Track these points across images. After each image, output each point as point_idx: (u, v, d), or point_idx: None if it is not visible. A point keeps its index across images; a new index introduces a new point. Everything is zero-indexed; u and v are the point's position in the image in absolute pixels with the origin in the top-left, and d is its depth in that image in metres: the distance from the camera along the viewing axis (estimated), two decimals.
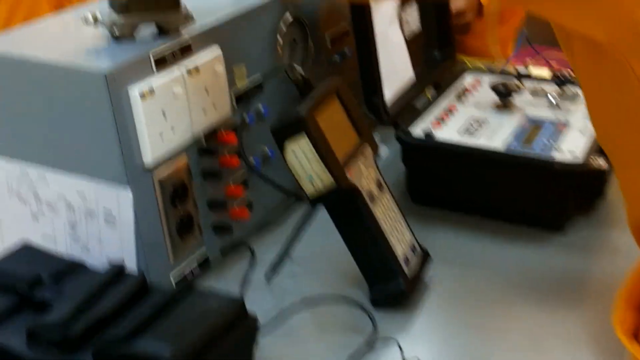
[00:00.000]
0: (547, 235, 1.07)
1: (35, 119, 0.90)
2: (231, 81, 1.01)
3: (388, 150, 1.30)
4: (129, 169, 0.87)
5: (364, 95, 1.11)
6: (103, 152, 0.87)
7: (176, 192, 0.94)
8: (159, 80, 0.89)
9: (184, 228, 0.95)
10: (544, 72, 1.42)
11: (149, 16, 0.91)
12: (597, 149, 1.06)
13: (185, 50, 0.93)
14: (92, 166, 0.89)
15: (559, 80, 1.24)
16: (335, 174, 0.88)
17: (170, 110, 0.90)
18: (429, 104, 1.21)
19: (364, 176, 0.93)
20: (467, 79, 1.31)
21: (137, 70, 0.87)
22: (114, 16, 0.90)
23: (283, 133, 0.87)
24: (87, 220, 0.92)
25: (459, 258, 1.04)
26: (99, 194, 0.89)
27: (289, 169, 0.89)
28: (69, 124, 0.88)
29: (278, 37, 1.10)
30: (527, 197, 1.08)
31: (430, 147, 1.09)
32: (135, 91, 0.86)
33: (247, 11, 1.03)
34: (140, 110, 0.86)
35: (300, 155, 0.87)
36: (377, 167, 0.97)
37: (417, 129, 1.13)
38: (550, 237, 1.07)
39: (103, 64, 0.85)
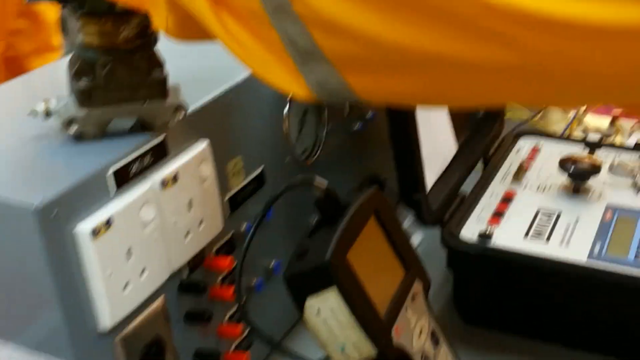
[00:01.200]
0: None
1: None
2: (223, 182, 0.73)
3: (422, 234, 1.03)
4: (76, 339, 0.60)
5: (400, 190, 0.83)
6: (39, 316, 0.60)
7: (148, 352, 0.66)
8: (120, 203, 0.61)
9: None
10: (616, 133, 1.15)
11: (123, 109, 0.63)
12: None
13: (158, 153, 0.65)
14: (29, 335, 0.61)
15: None
16: (378, 341, 0.60)
17: (138, 244, 0.63)
18: (481, 188, 0.93)
19: (414, 331, 0.65)
20: (523, 147, 1.03)
21: (88, 194, 0.59)
22: (72, 109, 0.62)
23: (303, 285, 0.60)
24: None
25: None
26: None
27: (310, 332, 0.62)
28: None
29: (285, 109, 0.82)
30: (620, 325, 0.80)
31: (489, 256, 0.82)
32: (84, 227, 0.58)
33: (242, 81, 0.75)
34: (93, 255, 0.59)
35: (328, 316, 0.60)
36: (430, 309, 0.69)
37: (470, 229, 0.85)
38: None
39: (35, 192, 0.57)
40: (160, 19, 0.54)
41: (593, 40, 0.37)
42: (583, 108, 1.32)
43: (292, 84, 0.49)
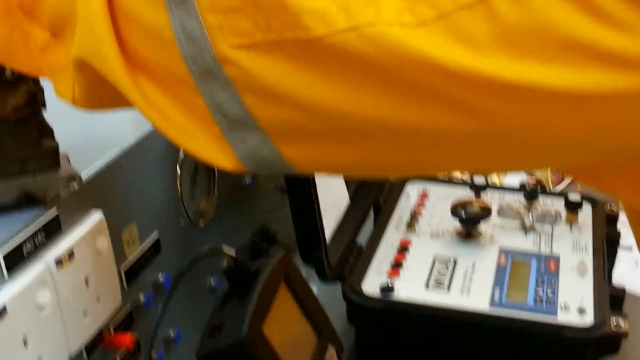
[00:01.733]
0: None
1: None
2: (119, 253, 0.69)
3: (318, 287, 1.01)
4: None
5: (299, 247, 0.81)
6: None
7: None
8: (13, 288, 0.56)
9: None
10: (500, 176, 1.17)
11: (11, 184, 0.58)
12: (605, 298, 0.82)
13: (51, 229, 0.60)
14: None
15: (528, 192, 0.99)
16: None
17: (35, 331, 0.58)
18: (377, 238, 0.92)
19: None
20: (412, 193, 1.04)
21: None
22: None
23: None
24: None
25: None
26: None
27: None
28: None
29: (177, 169, 0.79)
30: None
31: (393, 310, 0.81)
32: None
33: (133, 144, 0.71)
34: None
35: None
36: None
37: (371, 282, 0.84)
38: None
39: None
40: (65, 87, 0.49)
41: (552, 104, 0.36)
42: None
43: (218, 154, 0.45)
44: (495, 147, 0.40)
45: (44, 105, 0.59)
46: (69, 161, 0.62)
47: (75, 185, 0.61)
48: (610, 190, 0.46)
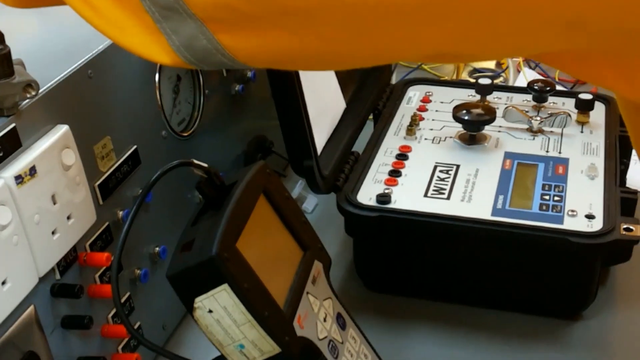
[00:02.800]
0: (559, 327, 0.78)
1: None
2: (92, 168, 0.65)
3: (316, 199, 0.97)
4: None
5: (289, 157, 0.77)
6: None
7: None
8: None
9: None
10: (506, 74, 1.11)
11: None
12: (616, 202, 0.77)
13: (9, 143, 0.56)
14: None
15: (536, 92, 0.93)
16: (279, 337, 0.54)
17: None
18: (374, 145, 0.88)
19: (319, 317, 0.59)
20: (414, 97, 0.98)
21: None
22: None
23: (189, 284, 0.53)
24: None
25: None
26: None
27: (204, 332, 0.55)
28: None
29: (156, 76, 0.74)
30: (526, 280, 0.77)
31: (389, 219, 0.77)
32: None
33: (102, 51, 0.66)
34: None
35: (221, 315, 0.53)
36: (333, 290, 0.64)
37: (367, 192, 0.80)
38: (564, 330, 0.78)
39: None
40: None
41: None
42: None
43: (154, 48, 0.41)
44: (449, 21, 0.35)
45: None
46: (24, 66, 0.58)
47: (32, 92, 0.56)
48: (600, 81, 0.41)
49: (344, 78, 0.92)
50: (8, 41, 0.55)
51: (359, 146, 0.89)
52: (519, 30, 0.36)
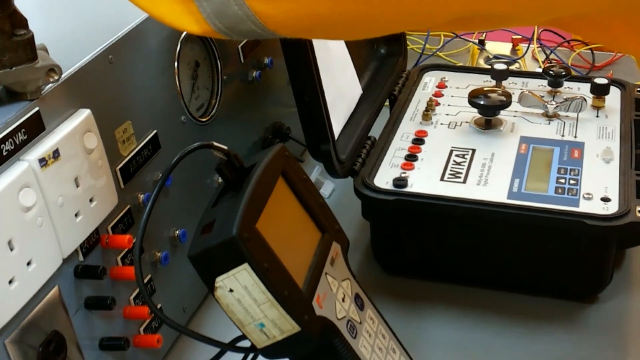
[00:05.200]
0: (574, 309, 0.79)
1: None
2: (113, 152, 0.66)
3: (333, 183, 0.98)
4: None
5: (307, 142, 0.78)
6: None
7: (46, 350, 0.59)
8: None
9: None
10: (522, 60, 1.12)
11: None
12: (632, 185, 0.77)
13: (33, 127, 0.57)
14: None
15: (552, 78, 0.93)
16: (299, 316, 0.55)
17: (20, 234, 0.55)
18: (391, 130, 0.88)
19: (337, 298, 0.60)
20: (429, 83, 0.99)
21: None
22: None
23: (210, 264, 0.54)
24: None
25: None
26: None
27: (224, 311, 0.56)
28: None
29: (176, 64, 0.75)
30: (547, 264, 0.78)
31: (406, 202, 0.77)
32: None
33: (122, 37, 0.67)
34: None
35: (242, 294, 0.54)
36: (351, 271, 0.64)
37: (383, 176, 0.80)
38: (579, 312, 0.78)
39: None
40: None
41: None
42: (483, 35, 1.29)
43: (184, 17, 0.41)
44: None
45: None
46: (47, 51, 0.59)
47: (55, 76, 0.57)
48: (622, 46, 0.41)
49: (360, 64, 0.93)
50: (31, 26, 0.56)
51: (375, 131, 0.89)
52: None
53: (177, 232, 0.75)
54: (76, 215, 0.61)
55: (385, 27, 0.43)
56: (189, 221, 0.75)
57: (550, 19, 0.42)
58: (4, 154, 0.54)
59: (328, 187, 0.97)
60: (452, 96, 0.95)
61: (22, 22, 0.56)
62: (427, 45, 1.24)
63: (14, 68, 0.56)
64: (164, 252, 0.73)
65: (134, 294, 0.69)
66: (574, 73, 0.96)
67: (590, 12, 0.38)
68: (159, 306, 0.72)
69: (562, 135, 0.86)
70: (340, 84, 0.85)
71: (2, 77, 0.56)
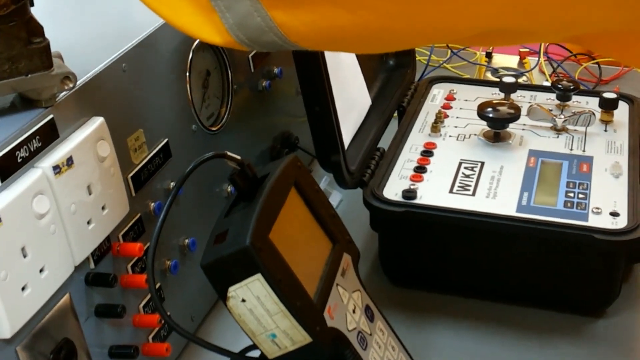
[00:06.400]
0: (582, 323, 0.79)
1: None
2: (125, 160, 0.66)
3: (341, 195, 0.98)
4: None
5: (317, 152, 0.78)
6: None
7: (57, 357, 0.59)
8: (7, 197, 0.53)
9: None
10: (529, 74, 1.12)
11: (4, 85, 0.55)
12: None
13: (47, 134, 0.57)
14: None
15: (560, 91, 0.93)
16: (311, 327, 0.55)
17: (34, 240, 0.55)
18: (400, 142, 0.88)
19: (348, 309, 0.60)
20: (438, 94, 0.99)
21: None
22: None
23: (223, 273, 0.54)
24: None
25: None
26: None
27: (236, 321, 0.56)
28: None
29: (187, 74, 0.75)
30: (556, 278, 0.78)
31: (415, 214, 0.78)
32: None
33: (135, 46, 0.67)
34: None
35: (254, 304, 0.54)
36: (361, 282, 0.65)
37: (393, 187, 0.81)
38: (587, 327, 0.78)
39: None
40: None
41: None
42: (490, 48, 1.29)
43: (206, 27, 0.41)
44: None
45: (31, 2, 0.55)
46: (62, 59, 0.59)
47: (69, 84, 0.58)
48: (638, 62, 0.41)
49: (369, 75, 0.93)
50: (47, 34, 0.57)
51: (384, 143, 0.90)
52: (559, 10, 0.36)
53: (187, 240, 0.75)
54: (88, 222, 0.61)
55: (408, 41, 0.43)
56: (199, 230, 0.76)
57: (571, 35, 0.42)
58: (19, 160, 0.55)
59: (336, 198, 0.97)
60: (460, 108, 0.95)
61: (39, 29, 0.56)
62: (433, 57, 1.24)
63: (29, 75, 0.56)
64: (174, 261, 0.73)
65: (144, 302, 0.69)
66: (581, 87, 0.96)
67: (612, 28, 0.38)
68: (168, 314, 0.72)
69: (571, 149, 0.86)
70: (350, 95, 0.85)
71: (18, 84, 0.56)
